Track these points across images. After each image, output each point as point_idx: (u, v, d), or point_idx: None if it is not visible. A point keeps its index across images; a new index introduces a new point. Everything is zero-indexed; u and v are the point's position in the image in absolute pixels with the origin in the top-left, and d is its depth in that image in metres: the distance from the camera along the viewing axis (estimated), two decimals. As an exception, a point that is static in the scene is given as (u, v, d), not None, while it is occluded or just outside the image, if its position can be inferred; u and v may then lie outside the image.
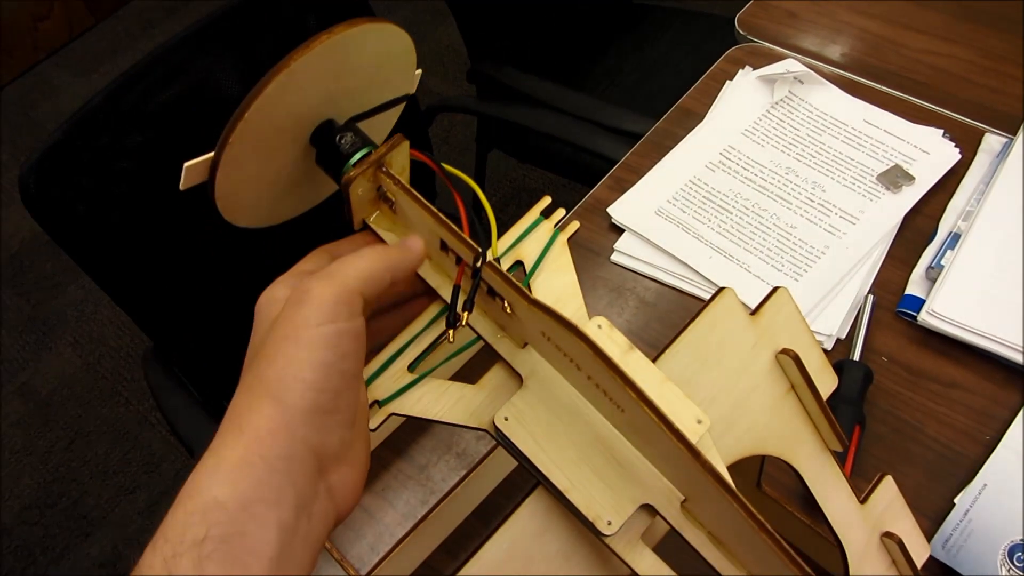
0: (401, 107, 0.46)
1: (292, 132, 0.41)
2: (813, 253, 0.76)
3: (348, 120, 0.42)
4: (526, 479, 0.65)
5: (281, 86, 0.37)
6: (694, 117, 0.90)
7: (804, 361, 0.46)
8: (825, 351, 0.71)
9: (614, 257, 0.80)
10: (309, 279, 0.36)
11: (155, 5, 2.65)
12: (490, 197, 1.79)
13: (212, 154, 0.38)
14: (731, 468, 0.61)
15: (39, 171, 0.85)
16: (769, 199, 0.81)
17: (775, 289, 0.47)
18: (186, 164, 0.38)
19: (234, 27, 0.96)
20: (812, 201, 0.80)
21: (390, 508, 0.69)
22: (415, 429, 0.72)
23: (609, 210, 0.82)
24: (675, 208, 0.81)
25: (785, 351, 0.45)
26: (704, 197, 0.82)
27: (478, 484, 0.66)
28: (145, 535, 1.51)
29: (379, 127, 0.47)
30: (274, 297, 0.39)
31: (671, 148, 0.87)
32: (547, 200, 0.46)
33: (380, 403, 0.40)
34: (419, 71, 0.46)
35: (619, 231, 0.82)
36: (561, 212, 0.46)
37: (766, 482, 0.59)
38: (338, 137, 0.41)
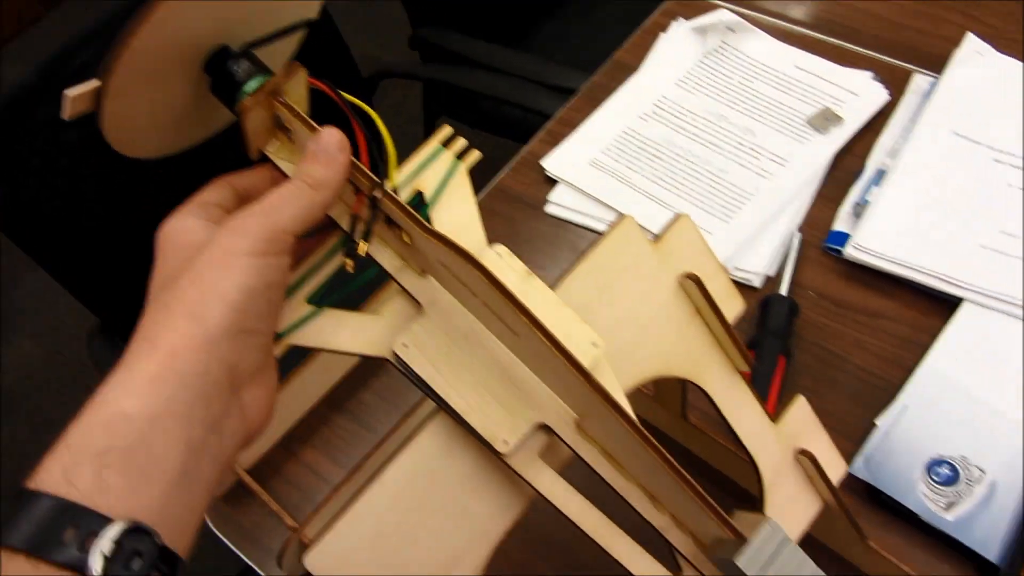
0: (302, 34, 0.45)
1: (183, 59, 0.40)
2: (743, 195, 0.77)
3: (244, 47, 0.41)
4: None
5: (168, 10, 0.36)
6: (628, 70, 0.90)
7: (708, 286, 0.47)
8: (754, 288, 0.72)
9: (549, 208, 0.80)
10: (246, 214, 0.37)
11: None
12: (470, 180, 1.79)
13: (98, 82, 0.37)
14: (654, 400, 0.62)
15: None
16: (701, 146, 0.81)
17: (677, 216, 0.48)
18: (69, 93, 0.37)
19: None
20: (743, 146, 0.81)
21: (332, 464, 0.70)
22: (358, 387, 0.73)
23: (542, 162, 0.83)
24: (608, 159, 0.82)
25: (687, 275, 0.46)
26: (637, 147, 0.82)
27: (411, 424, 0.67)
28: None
29: (280, 57, 0.46)
30: (184, 227, 0.39)
31: (604, 101, 0.88)
32: (448, 130, 0.46)
33: (280, 335, 0.41)
34: None
35: (554, 184, 0.82)
36: (462, 142, 0.46)
37: (691, 412, 0.60)
38: (232, 64, 0.40)
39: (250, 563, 0.64)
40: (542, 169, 0.83)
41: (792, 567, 0.39)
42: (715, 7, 0.94)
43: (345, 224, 0.41)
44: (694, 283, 0.46)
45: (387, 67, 1.12)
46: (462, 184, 0.45)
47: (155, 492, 0.31)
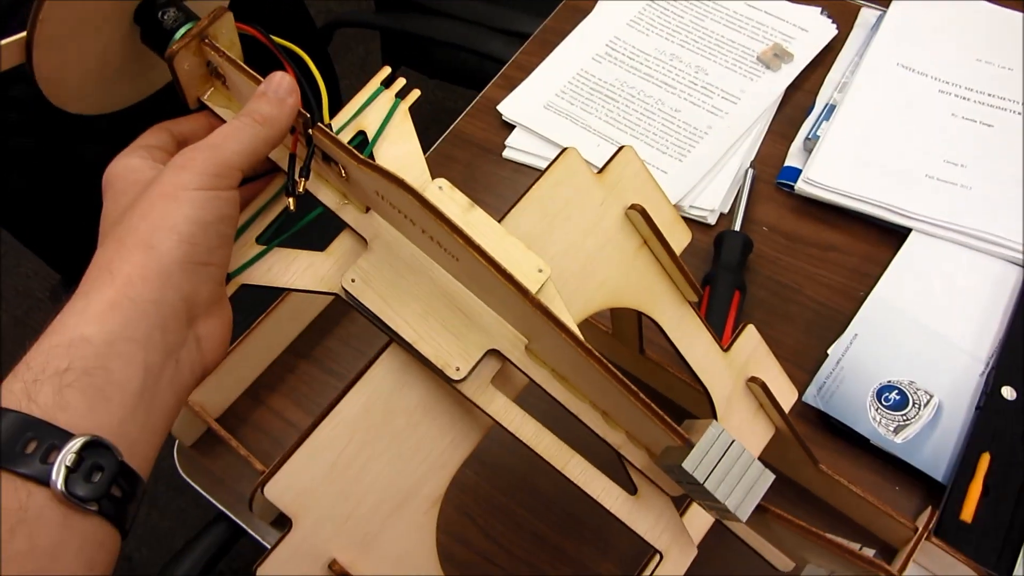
0: None
1: (111, 8, 0.40)
2: (696, 134, 0.78)
3: None
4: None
5: None
6: (582, 13, 0.90)
7: (655, 217, 0.47)
8: (708, 225, 0.73)
9: (506, 153, 0.81)
10: (192, 149, 0.38)
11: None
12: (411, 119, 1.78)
13: (24, 33, 0.38)
14: (612, 337, 0.63)
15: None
16: (654, 86, 0.82)
17: (620, 147, 0.49)
18: None
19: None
20: (695, 85, 0.82)
21: (300, 411, 0.71)
22: (323, 334, 0.74)
23: (499, 107, 0.83)
24: (563, 101, 0.82)
25: (633, 206, 0.47)
26: (591, 88, 0.83)
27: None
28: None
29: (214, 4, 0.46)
30: (129, 165, 0.40)
31: (558, 45, 0.88)
32: (387, 70, 0.47)
33: (231, 275, 0.41)
34: None
35: (511, 129, 0.82)
36: (402, 82, 0.47)
37: (648, 348, 0.62)
38: (160, 13, 0.41)
39: (222, 508, 0.66)
40: (498, 114, 0.83)
41: (738, 467, 0.40)
42: (668, -53, 0.94)
43: (284, 164, 0.42)
44: (640, 214, 0.47)
45: (340, 17, 1.11)
46: (403, 122, 0.46)
47: (114, 411, 0.32)
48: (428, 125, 1.85)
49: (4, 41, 0.38)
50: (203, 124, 0.44)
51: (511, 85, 0.85)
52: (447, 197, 0.43)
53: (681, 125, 0.79)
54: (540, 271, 0.42)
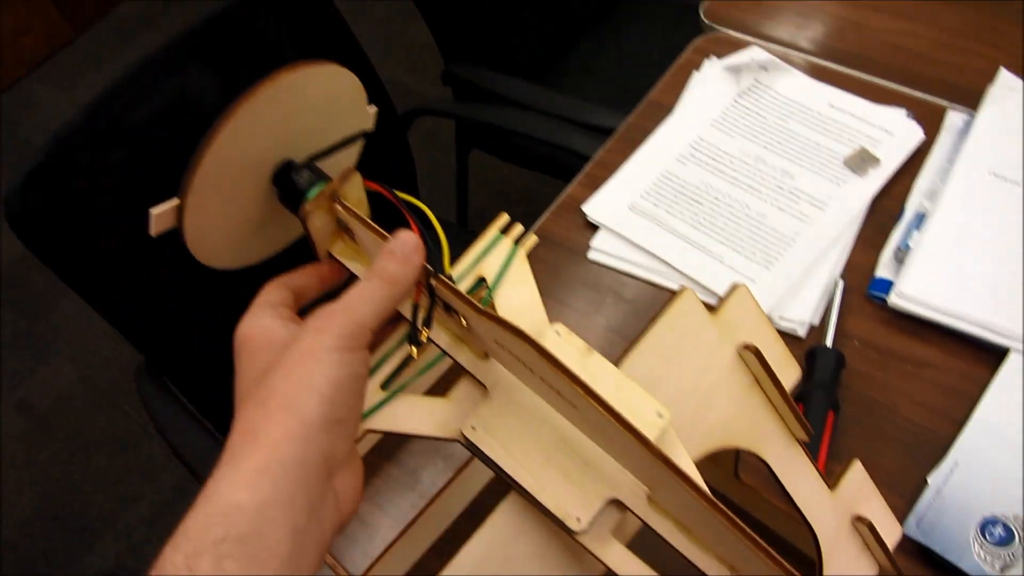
0: (362, 144, 0.49)
1: (253, 174, 0.43)
2: (784, 241, 0.78)
3: (306, 159, 0.45)
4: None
5: (232, 132, 0.40)
6: (664, 110, 0.91)
7: (766, 354, 0.47)
8: (799, 338, 0.73)
9: (591, 255, 0.81)
10: (329, 312, 0.39)
11: (132, 15, 2.65)
12: (477, 196, 1.81)
13: (177, 200, 0.40)
14: (708, 459, 0.62)
15: (23, 193, 0.86)
16: (740, 189, 0.82)
17: (734, 286, 0.49)
18: (153, 211, 0.40)
19: (211, 40, 0.97)
20: (782, 189, 0.81)
21: (381, 512, 0.71)
22: (403, 436, 0.74)
23: (584, 208, 0.83)
24: (648, 203, 0.83)
25: (746, 346, 0.47)
26: (676, 190, 0.83)
27: (465, 486, 0.68)
28: (148, 544, 1.54)
29: (345, 161, 0.49)
30: (263, 326, 0.42)
31: (643, 142, 0.89)
32: (505, 218, 0.48)
33: (357, 420, 0.42)
34: (374, 108, 0.48)
35: (595, 228, 0.83)
36: (519, 228, 0.48)
37: (744, 471, 0.61)
38: (295, 175, 0.43)
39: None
40: (583, 213, 0.84)
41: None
42: (747, 44, 0.95)
43: (408, 313, 0.43)
44: (753, 354, 0.46)
45: (421, 106, 1.14)
46: (521, 267, 0.46)
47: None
48: (494, 201, 1.88)
49: (159, 209, 0.40)
50: (314, 276, 0.46)
51: (595, 184, 0.86)
52: (565, 342, 0.43)
53: (768, 231, 0.79)
54: (660, 416, 0.42)
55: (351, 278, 0.46)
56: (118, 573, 1.53)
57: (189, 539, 0.33)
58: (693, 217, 0.81)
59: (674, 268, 0.78)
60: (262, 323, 0.41)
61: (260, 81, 0.40)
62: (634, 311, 0.78)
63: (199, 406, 1.08)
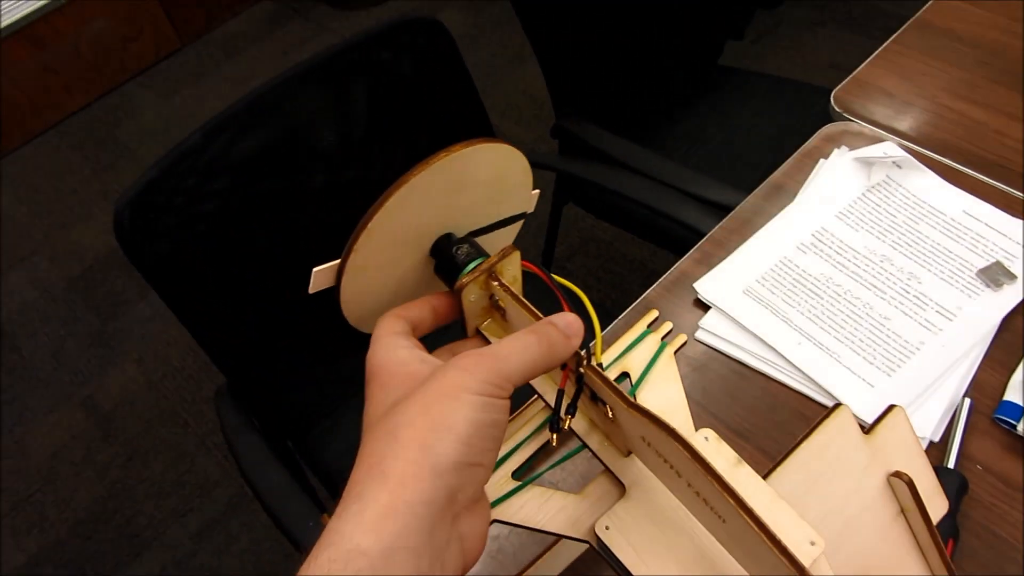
0: (520, 224, 0.47)
1: (414, 243, 0.43)
2: (907, 348, 0.74)
3: (467, 235, 0.44)
4: (595, 560, 0.63)
5: (402, 199, 0.39)
6: (786, 194, 0.89)
7: (916, 484, 0.44)
8: (917, 454, 0.68)
9: (699, 335, 0.78)
10: (478, 355, 0.38)
11: (240, 32, 2.72)
12: (559, 245, 1.79)
13: (338, 261, 0.39)
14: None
15: (133, 207, 0.87)
16: (862, 287, 0.79)
17: (890, 408, 0.45)
18: (315, 270, 0.40)
19: (329, 74, 0.98)
20: (907, 293, 0.78)
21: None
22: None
23: (695, 286, 0.81)
24: (764, 289, 0.79)
25: (898, 474, 0.44)
26: (794, 279, 0.80)
27: (551, 563, 0.65)
28: (192, 560, 1.52)
29: (500, 242, 0.48)
30: (398, 358, 0.41)
31: (760, 224, 0.86)
32: (654, 313, 0.46)
33: (484, 505, 0.40)
34: (536, 192, 0.47)
35: (703, 307, 0.80)
36: (668, 325, 0.45)
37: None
38: (455, 248, 0.43)
39: None
40: (692, 291, 0.81)
41: None
42: (878, 137, 0.92)
43: (551, 399, 0.41)
44: (906, 484, 0.43)
45: (531, 158, 1.12)
46: (668, 366, 0.44)
47: None
48: (575, 252, 1.87)
49: (319, 268, 0.39)
50: (427, 309, 0.45)
51: (707, 261, 0.83)
52: (713, 450, 0.41)
53: (891, 335, 0.75)
54: (813, 544, 0.39)
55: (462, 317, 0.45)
56: (161, 586, 1.52)
57: None
58: (811, 310, 0.77)
59: (788, 360, 0.74)
60: (397, 355, 0.40)
61: (436, 153, 0.40)
62: (738, 398, 0.74)
63: (272, 433, 1.07)
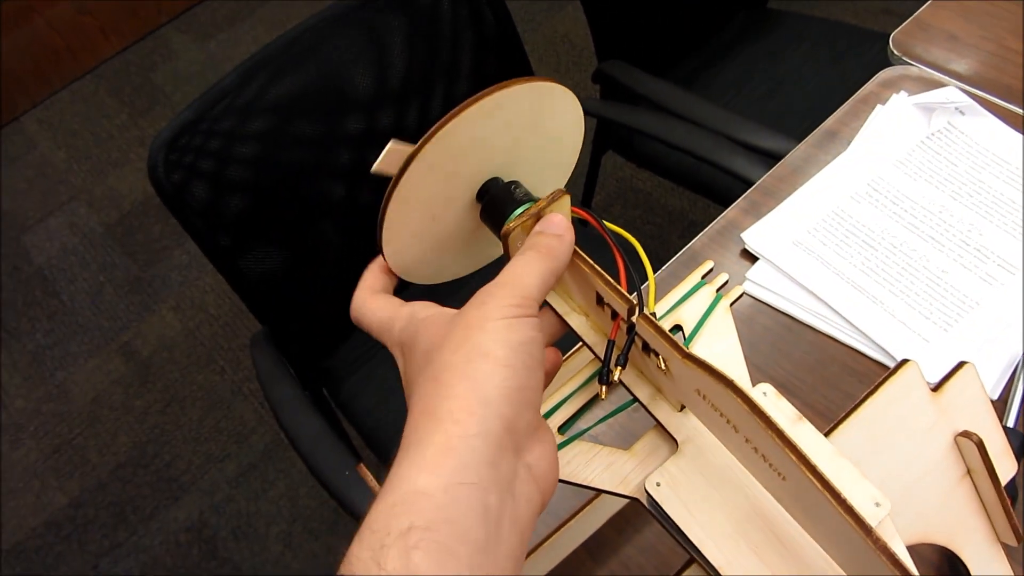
0: (574, 162, 0.45)
1: (458, 187, 0.40)
2: (966, 303, 0.71)
3: (514, 178, 0.42)
4: (638, 513, 0.61)
5: (453, 132, 0.37)
6: (839, 141, 0.85)
7: (985, 444, 0.41)
8: (975, 412, 0.66)
9: (746, 287, 0.76)
10: (491, 286, 0.38)
11: (275, -23, 2.68)
12: (597, 195, 1.76)
13: (413, 147, 0.37)
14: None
15: (168, 148, 0.85)
16: (919, 239, 0.75)
17: (960, 364, 0.43)
18: (390, 145, 0.39)
19: (364, 17, 0.95)
20: (967, 245, 0.74)
21: None
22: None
23: (743, 235, 0.78)
24: (815, 240, 0.76)
25: (966, 434, 0.41)
26: (847, 231, 0.77)
27: (592, 516, 0.64)
28: (231, 504, 1.54)
29: (554, 183, 0.46)
30: (414, 314, 0.40)
31: (812, 173, 0.82)
32: (709, 264, 0.43)
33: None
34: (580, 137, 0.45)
35: (751, 258, 0.77)
36: (724, 276, 0.43)
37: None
38: (501, 193, 0.41)
39: None
40: (739, 240, 0.78)
41: None
42: (938, 82, 0.88)
43: (600, 351, 0.39)
44: (976, 445, 0.41)
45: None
46: (724, 318, 0.42)
47: (462, 567, 0.31)
48: (613, 201, 1.83)
49: (395, 145, 0.39)
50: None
51: (756, 211, 0.80)
52: (772, 406, 0.38)
53: (948, 289, 0.72)
54: (878, 505, 0.37)
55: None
56: (201, 528, 1.54)
57: (374, 532, 0.31)
58: (864, 263, 0.74)
59: (838, 313, 0.72)
60: (419, 312, 0.39)
61: (480, 93, 0.37)
62: (786, 353, 0.72)
63: (307, 382, 1.06)
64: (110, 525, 1.57)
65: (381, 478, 0.34)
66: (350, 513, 0.81)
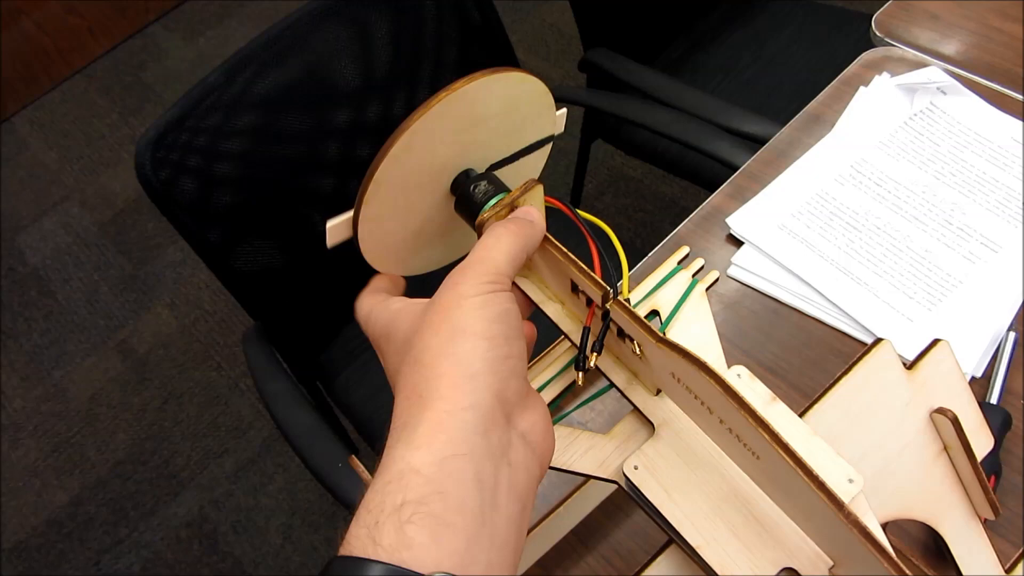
0: (547, 150, 0.45)
1: (430, 184, 0.41)
2: (949, 281, 0.71)
3: (487, 169, 0.42)
4: (627, 498, 0.61)
5: (406, 145, 0.38)
6: (823, 124, 0.85)
7: (960, 420, 0.42)
8: (959, 390, 0.66)
9: (731, 271, 0.76)
10: (462, 267, 0.38)
11: (264, -28, 2.67)
12: (587, 184, 1.76)
13: (351, 213, 0.38)
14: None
15: (155, 146, 0.85)
16: (903, 219, 0.76)
17: (934, 342, 0.43)
18: (328, 224, 0.39)
19: (349, 9, 0.95)
20: (950, 224, 0.75)
21: None
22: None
23: (728, 220, 0.78)
24: (799, 224, 0.77)
25: (941, 410, 0.42)
26: (831, 213, 0.77)
27: (582, 502, 0.64)
28: (230, 499, 1.55)
29: (530, 170, 0.46)
30: (388, 306, 0.41)
31: (796, 157, 0.83)
32: (684, 250, 0.44)
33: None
34: (563, 110, 0.45)
35: (736, 242, 0.78)
36: (700, 262, 0.43)
37: (887, 530, 0.55)
38: (473, 186, 0.41)
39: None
40: (725, 225, 0.79)
41: None
42: (922, 63, 0.88)
43: (576, 339, 0.39)
44: (951, 421, 0.41)
45: (557, 93, 1.09)
46: (699, 303, 0.42)
47: (459, 537, 0.31)
48: (604, 190, 1.84)
49: (333, 222, 0.38)
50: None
51: (740, 195, 0.81)
52: (747, 387, 0.39)
53: (931, 268, 0.72)
54: (851, 481, 0.37)
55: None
56: (201, 524, 1.54)
57: (369, 510, 0.31)
58: (849, 244, 0.75)
59: (823, 295, 0.72)
60: (391, 307, 0.40)
61: (437, 93, 0.38)
62: (772, 336, 0.72)
63: (300, 375, 1.07)
64: (111, 522, 1.57)
65: (375, 469, 0.35)
66: (344, 504, 0.82)
